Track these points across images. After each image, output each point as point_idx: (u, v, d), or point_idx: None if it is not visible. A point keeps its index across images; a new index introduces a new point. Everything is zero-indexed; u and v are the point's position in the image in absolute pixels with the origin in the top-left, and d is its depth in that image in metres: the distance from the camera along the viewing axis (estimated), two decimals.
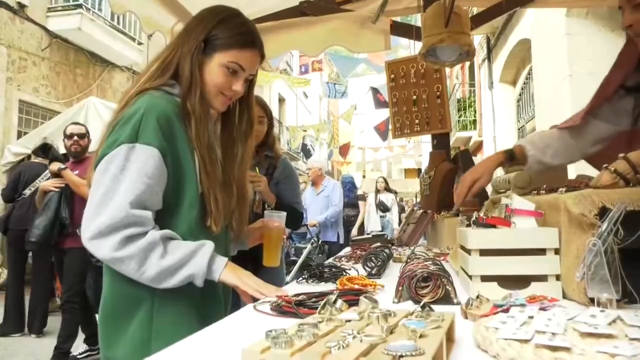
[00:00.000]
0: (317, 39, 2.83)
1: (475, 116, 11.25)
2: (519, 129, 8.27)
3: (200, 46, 1.16)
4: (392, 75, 2.74)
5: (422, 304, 0.66)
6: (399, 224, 9.04)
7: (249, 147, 1.30)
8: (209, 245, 1.10)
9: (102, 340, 1.11)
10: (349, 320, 0.62)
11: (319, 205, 5.51)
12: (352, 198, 7.66)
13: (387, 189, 8.52)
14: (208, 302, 1.17)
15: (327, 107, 25.34)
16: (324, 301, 0.68)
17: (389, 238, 2.57)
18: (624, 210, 0.79)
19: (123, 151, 1.04)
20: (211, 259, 1.08)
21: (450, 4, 1.85)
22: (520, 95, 8.09)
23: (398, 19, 3.10)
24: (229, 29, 1.18)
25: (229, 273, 1.11)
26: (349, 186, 7.59)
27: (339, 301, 0.69)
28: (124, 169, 1.03)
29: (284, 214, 1.59)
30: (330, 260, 2.02)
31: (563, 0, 2.67)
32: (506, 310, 0.77)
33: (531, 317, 0.68)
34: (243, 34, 1.20)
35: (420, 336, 0.52)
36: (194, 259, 1.06)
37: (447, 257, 1.76)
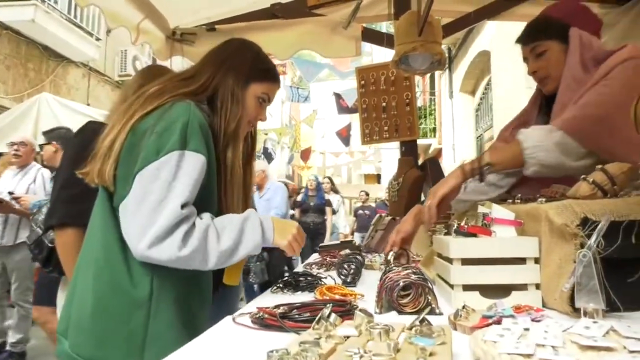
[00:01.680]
0: (288, 42, 2.80)
1: (435, 124, 11.49)
2: (477, 138, 8.51)
3: (244, 80, 1.25)
4: (363, 82, 2.75)
5: (421, 317, 0.64)
6: (353, 229, 8.93)
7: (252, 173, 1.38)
8: (253, 217, 1.16)
9: (91, 337, 1.06)
10: (348, 337, 0.60)
11: (261, 209, 5.21)
12: (322, 203, 7.04)
13: (334, 189, 8.06)
14: (198, 306, 1.17)
15: (290, 111, 25.29)
16: (318, 316, 0.65)
17: (357, 244, 2.56)
18: (609, 221, 0.80)
19: (175, 158, 1.04)
20: (261, 230, 1.15)
21: (425, 14, 1.86)
22: (479, 105, 8.32)
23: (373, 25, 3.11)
24: (264, 62, 1.32)
25: (279, 239, 1.19)
26: (319, 187, 7.03)
27: (333, 315, 0.66)
28: (177, 175, 1.04)
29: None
30: (301, 267, 1.98)
31: (529, 14, 2.75)
32: (498, 322, 0.77)
33: (526, 329, 0.67)
34: (274, 69, 1.34)
35: (430, 354, 0.50)
36: (246, 237, 1.12)
37: (419, 265, 1.76)
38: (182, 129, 1.07)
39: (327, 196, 7.56)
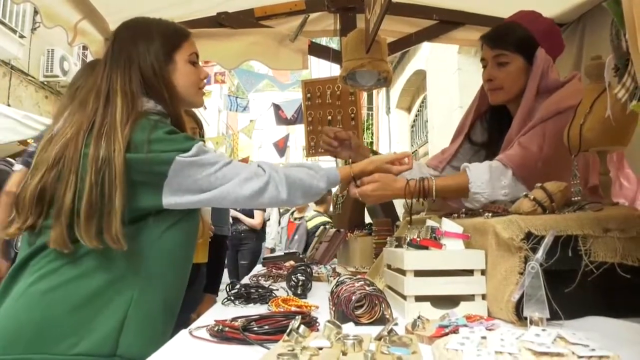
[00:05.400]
0: (235, 52, 2.78)
1: (372, 138, 11.79)
2: (413, 153, 8.82)
3: (164, 58, 1.21)
4: (309, 95, 2.78)
5: (389, 328, 0.66)
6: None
7: None
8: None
9: (64, 334, 1.02)
10: (321, 348, 0.60)
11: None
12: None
13: None
14: (177, 296, 1.22)
15: (227, 120, 24.95)
16: (289, 328, 0.65)
17: (301, 256, 2.57)
18: (554, 235, 0.86)
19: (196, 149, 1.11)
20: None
21: (374, 32, 1.93)
22: (414, 121, 8.65)
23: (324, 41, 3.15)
24: (166, 27, 1.26)
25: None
26: None
27: (302, 327, 0.67)
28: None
29: (209, 209, 1.60)
30: (246, 279, 1.96)
31: (464, 38, 2.92)
32: (454, 331, 0.80)
33: (484, 338, 0.71)
34: (178, 26, 1.30)
35: None
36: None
37: (365, 276, 1.80)
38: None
39: None
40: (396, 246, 1.32)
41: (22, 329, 1.01)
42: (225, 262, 5.70)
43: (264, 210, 6.57)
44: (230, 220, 5.77)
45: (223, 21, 2.81)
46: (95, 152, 1.05)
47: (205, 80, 1.31)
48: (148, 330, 1.09)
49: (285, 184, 1.20)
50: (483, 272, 1.07)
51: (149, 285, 1.11)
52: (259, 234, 6.26)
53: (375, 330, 0.80)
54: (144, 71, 1.18)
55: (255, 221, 6.00)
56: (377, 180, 1.41)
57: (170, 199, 1.09)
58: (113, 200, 1.02)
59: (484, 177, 1.39)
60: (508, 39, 1.52)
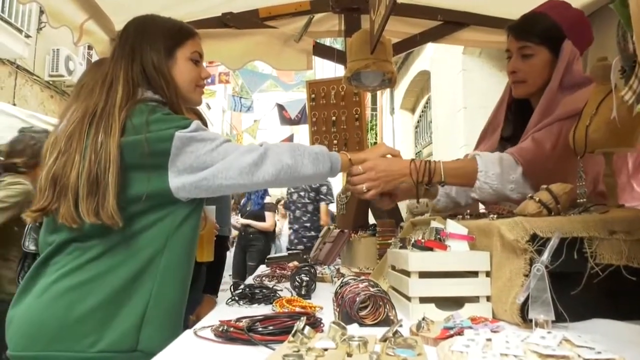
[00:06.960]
0: (240, 52, 2.79)
1: (376, 139, 11.77)
2: (416, 154, 8.80)
3: (166, 54, 1.24)
4: (313, 95, 2.79)
5: (394, 329, 0.66)
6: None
7: None
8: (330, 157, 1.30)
9: (86, 331, 1.06)
10: (326, 349, 0.60)
11: None
12: (260, 207, 5.88)
13: None
14: (186, 291, 1.24)
15: (230, 120, 24.99)
16: (294, 329, 0.65)
17: (304, 257, 2.57)
18: (559, 237, 0.86)
19: (194, 125, 1.15)
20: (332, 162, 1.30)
21: (378, 33, 1.93)
22: (418, 122, 8.64)
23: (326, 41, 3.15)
24: (172, 25, 1.29)
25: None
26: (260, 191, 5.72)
27: (307, 328, 0.67)
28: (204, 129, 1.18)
29: (213, 207, 1.61)
30: (250, 280, 1.96)
31: (469, 39, 2.91)
32: (459, 333, 0.80)
33: (489, 340, 0.71)
34: (184, 25, 1.32)
35: None
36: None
37: (369, 277, 1.80)
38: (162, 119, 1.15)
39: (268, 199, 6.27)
40: (400, 247, 1.32)
41: (44, 326, 1.05)
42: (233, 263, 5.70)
43: (274, 212, 6.46)
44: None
45: (228, 21, 2.82)
46: (95, 135, 1.11)
47: (205, 80, 1.34)
48: (167, 323, 1.13)
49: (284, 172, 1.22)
50: (488, 274, 1.07)
51: (166, 279, 1.14)
52: (268, 235, 6.19)
53: (380, 331, 0.80)
54: (145, 64, 1.23)
55: (267, 224, 5.95)
56: (372, 166, 1.37)
57: (176, 181, 1.11)
58: (107, 179, 1.07)
59: (496, 170, 1.36)
60: (534, 31, 1.47)
